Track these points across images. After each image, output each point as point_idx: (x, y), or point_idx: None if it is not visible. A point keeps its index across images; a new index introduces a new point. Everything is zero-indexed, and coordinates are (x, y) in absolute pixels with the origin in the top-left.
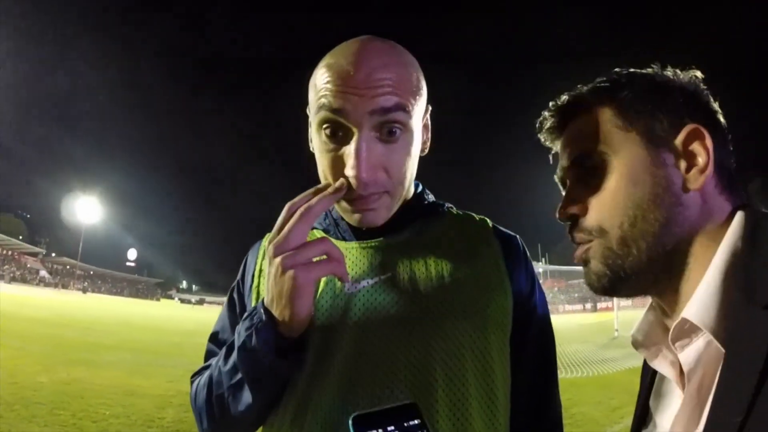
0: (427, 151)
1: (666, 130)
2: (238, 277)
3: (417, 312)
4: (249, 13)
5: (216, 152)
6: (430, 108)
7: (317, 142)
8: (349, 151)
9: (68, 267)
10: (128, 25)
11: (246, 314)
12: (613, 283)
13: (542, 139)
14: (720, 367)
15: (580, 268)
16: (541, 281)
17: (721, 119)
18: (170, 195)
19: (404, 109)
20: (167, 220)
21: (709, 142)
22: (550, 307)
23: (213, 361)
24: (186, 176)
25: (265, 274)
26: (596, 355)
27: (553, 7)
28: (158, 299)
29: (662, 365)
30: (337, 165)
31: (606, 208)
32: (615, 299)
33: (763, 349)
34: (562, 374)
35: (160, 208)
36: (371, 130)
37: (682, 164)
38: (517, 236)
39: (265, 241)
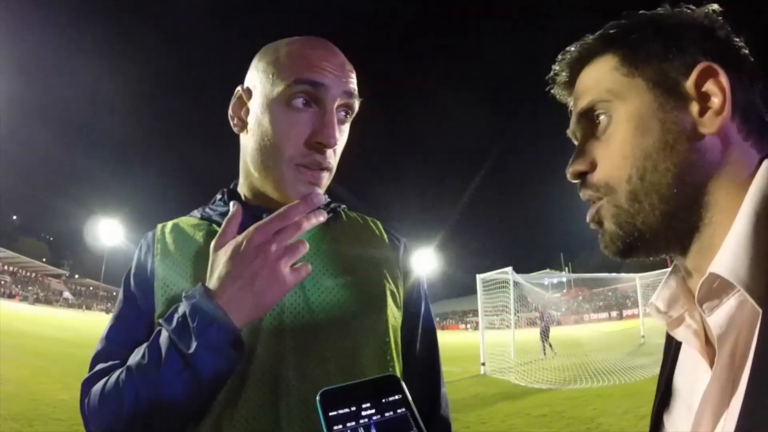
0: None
1: (677, 72)
2: (132, 267)
3: (325, 303)
4: (267, 32)
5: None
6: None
7: (281, 111)
8: (320, 120)
9: (91, 288)
10: (151, 46)
11: (189, 311)
12: (629, 245)
13: (556, 95)
14: (757, 331)
15: (604, 275)
16: (564, 290)
17: (747, 56)
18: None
19: (357, 99)
20: None
21: (724, 80)
22: (575, 316)
23: (110, 364)
24: (207, 197)
25: (166, 260)
26: (623, 363)
27: (574, 26)
28: None
29: (686, 334)
30: (300, 132)
31: (613, 161)
32: (640, 306)
33: None
34: (587, 384)
35: None
36: (336, 107)
37: (695, 107)
38: (404, 239)
39: (159, 230)
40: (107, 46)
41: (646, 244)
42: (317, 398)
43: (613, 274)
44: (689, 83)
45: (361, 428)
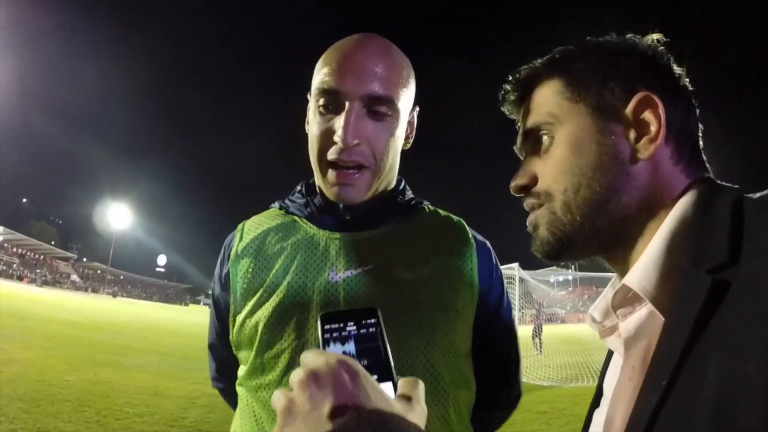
0: (409, 145)
1: (617, 98)
2: (217, 268)
3: (394, 302)
4: (282, 24)
5: (246, 159)
6: (417, 108)
7: (313, 114)
8: (339, 119)
9: (99, 272)
10: (156, 32)
11: None
12: (557, 250)
13: (506, 111)
14: (659, 337)
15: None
16: (570, 289)
17: (685, 85)
18: (199, 202)
19: (391, 96)
20: (196, 227)
21: (661, 110)
22: (580, 315)
23: (215, 368)
24: (215, 183)
25: (246, 253)
26: None
27: (588, 15)
28: (187, 304)
29: (615, 343)
30: (326, 134)
31: (551, 175)
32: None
33: (694, 310)
34: (589, 382)
35: (190, 214)
36: (362, 106)
37: (632, 133)
38: (488, 242)
39: (239, 227)
40: (118, 36)
41: (572, 250)
42: (319, 317)
43: None
44: (628, 110)
45: (345, 338)
